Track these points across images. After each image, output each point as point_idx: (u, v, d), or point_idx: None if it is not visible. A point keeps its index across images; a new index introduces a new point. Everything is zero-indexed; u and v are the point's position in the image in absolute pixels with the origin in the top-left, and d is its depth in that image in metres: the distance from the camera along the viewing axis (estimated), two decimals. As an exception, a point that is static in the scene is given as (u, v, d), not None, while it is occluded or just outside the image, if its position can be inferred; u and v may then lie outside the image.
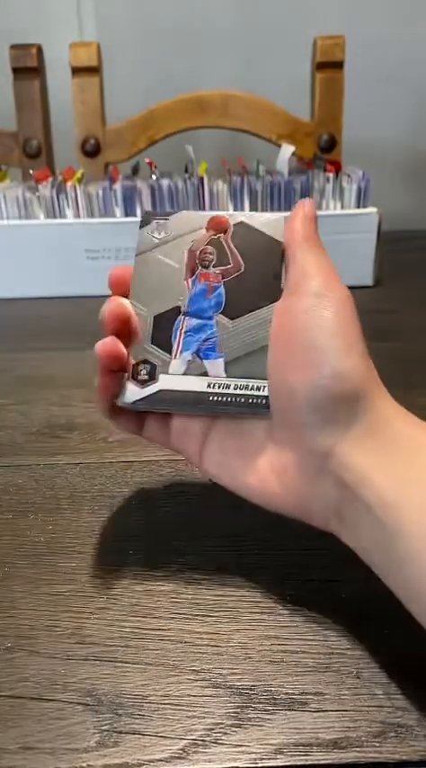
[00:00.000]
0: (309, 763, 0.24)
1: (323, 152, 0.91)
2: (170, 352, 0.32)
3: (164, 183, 0.77)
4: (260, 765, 0.24)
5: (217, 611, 0.31)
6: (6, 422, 0.50)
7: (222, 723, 0.25)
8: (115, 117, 0.92)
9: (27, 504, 0.39)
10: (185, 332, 0.33)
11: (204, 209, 0.77)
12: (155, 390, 0.32)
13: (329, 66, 0.89)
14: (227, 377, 0.32)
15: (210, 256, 0.33)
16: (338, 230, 0.76)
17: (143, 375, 0.32)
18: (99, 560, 0.34)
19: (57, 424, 0.49)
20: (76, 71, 0.88)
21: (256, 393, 0.31)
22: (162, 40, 1.07)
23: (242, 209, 0.78)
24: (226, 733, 0.25)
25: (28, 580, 0.33)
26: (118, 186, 0.77)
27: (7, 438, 0.47)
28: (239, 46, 1.09)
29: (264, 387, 0.31)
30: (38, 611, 0.31)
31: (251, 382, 0.31)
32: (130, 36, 1.07)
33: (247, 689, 0.27)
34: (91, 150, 0.91)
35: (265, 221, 0.34)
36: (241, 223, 0.34)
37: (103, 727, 0.25)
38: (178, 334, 0.33)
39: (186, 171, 0.82)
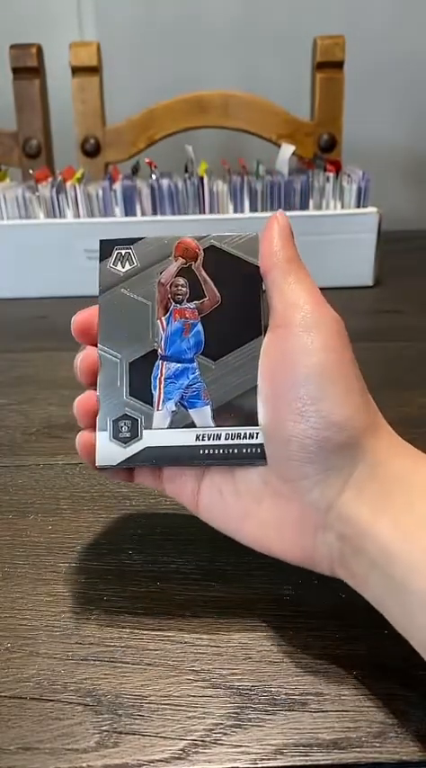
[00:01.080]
0: (309, 763, 0.24)
1: (324, 152, 0.91)
2: (151, 403, 0.30)
3: (164, 182, 0.77)
4: (260, 766, 0.24)
5: (216, 611, 0.31)
6: (6, 422, 0.50)
7: (222, 723, 0.25)
8: (115, 117, 0.92)
9: (27, 504, 0.39)
10: (165, 378, 0.30)
11: (204, 209, 0.77)
12: (138, 449, 0.29)
13: (329, 66, 0.89)
14: (216, 426, 0.29)
15: (183, 289, 0.30)
16: (338, 230, 0.76)
17: (124, 432, 0.29)
18: (99, 560, 0.34)
19: (57, 424, 0.49)
20: (76, 71, 0.88)
21: (250, 442, 0.29)
22: (162, 39, 1.07)
23: (242, 210, 0.78)
24: (225, 733, 0.25)
25: (28, 580, 0.33)
26: (118, 186, 0.77)
27: (7, 438, 0.47)
28: (239, 46, 1.09)
29: (258, 434, 0.29)
30: (38, 611, 0.31)
31: (243, 430, 0.29)
32: (130, 36, 1.07)
33: (247, 689, 0.27)
34: (91, 150, 0.91)
35: (238, 243, 0.30)
36: (211, 247, 0.30)
37: (103, 728, 0.25)
38: (157, 382, 0.30)
39: (186, 171, 0.82)
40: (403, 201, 1.15)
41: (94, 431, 0.30)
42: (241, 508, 0.29)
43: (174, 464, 0.30)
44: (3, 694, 0.27)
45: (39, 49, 0.89)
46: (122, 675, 0.28)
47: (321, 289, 0.29)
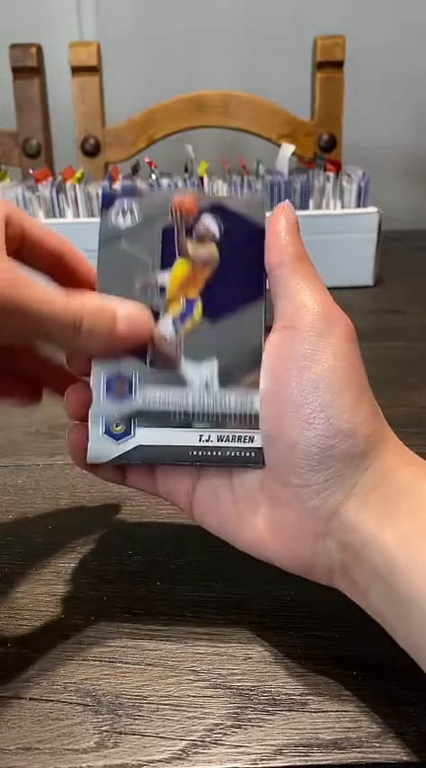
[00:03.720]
0: (309, 763, 0.24)
1: (324, 152, 0.91)
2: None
3: (164, 182, 0.77)
4: (260, 766, 0.24)
5: (216, 612, 0.31)
6: (6, 422, 0.50)
7: (222, 724, 0.25)
8: (115, 117, 0.92)
9: (27, 504, 0.39)
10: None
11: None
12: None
13: (329, 65, 0.89)
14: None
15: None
16: (338, 230, 0.76)
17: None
18: (98, 560, 0.34)
19: (57, 424, 0.49)
20: (76, 71, 0.88)
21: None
22: (162, 39, 1.07)
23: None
24: (225, 734, 0.25)
25: (28, 580, 0.33)
26: (118, 186, 0.77)
27: (7, 438, 0.47)
28: (239, 46, 1.09)
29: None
30: (38, 611, 0.31)
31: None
32: (130, 36, 1.07)
33: (247, 689, 0.27)
34: (91, 150, 0.91)
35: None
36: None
37: (103, 728, 0.25)
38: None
39: (186, 170, 0.82)
40: (403, 201, 1.15)
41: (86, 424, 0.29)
42: (237, 513, 0.29)
43: (168, 461, 0.29)
44: (3, 694, 0.27)
45: (39, 49, 0.89)
46: (122, 675, 0.28)
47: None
